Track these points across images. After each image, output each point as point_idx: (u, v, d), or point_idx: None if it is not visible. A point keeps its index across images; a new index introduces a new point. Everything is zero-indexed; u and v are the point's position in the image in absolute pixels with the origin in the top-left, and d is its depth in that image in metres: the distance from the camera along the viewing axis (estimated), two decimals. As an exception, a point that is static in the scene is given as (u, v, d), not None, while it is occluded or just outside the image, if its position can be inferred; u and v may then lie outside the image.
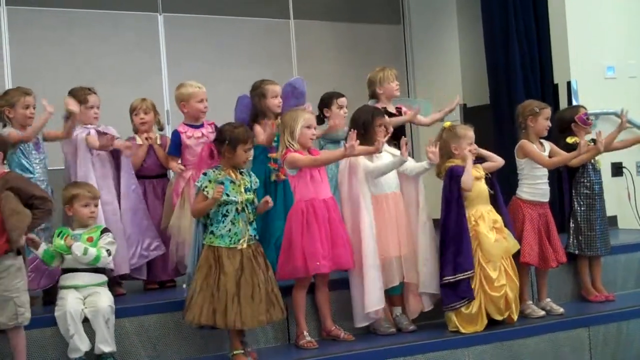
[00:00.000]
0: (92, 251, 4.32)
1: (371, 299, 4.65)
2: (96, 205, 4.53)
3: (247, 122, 4.92)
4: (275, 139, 4.93)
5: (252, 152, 4.46)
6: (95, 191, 4.55)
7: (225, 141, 4.34)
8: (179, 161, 5.16)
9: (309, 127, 4.67)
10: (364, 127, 4.80)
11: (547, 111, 5.22)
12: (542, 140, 5.26)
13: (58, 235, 4.37)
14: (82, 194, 4.46)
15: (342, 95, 5.53)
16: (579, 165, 5.35)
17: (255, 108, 5.05)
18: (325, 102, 5.52)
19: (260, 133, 4.93)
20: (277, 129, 4.88)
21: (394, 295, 4.86)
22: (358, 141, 4.49)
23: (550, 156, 5.22)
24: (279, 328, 4.72)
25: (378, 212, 4.77)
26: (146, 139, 5.33)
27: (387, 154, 4.83)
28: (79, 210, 4.45)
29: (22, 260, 4.12)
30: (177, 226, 5.00)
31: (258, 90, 5.06)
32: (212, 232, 4.32)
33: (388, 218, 4.78)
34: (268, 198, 4.43)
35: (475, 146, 4.94)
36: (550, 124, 5.23)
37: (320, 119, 5.45)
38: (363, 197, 4.73)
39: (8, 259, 4.03)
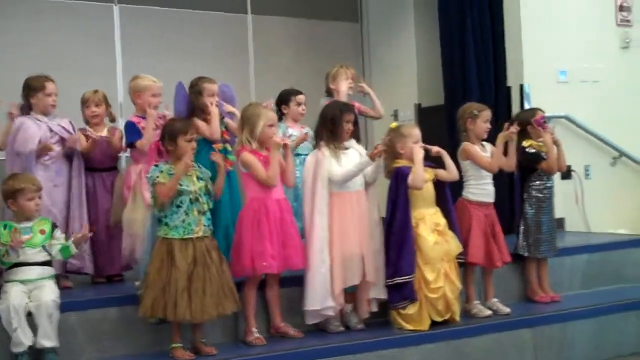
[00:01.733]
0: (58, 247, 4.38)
1: (313, 297, 4.68)
2: (40, 197, 4.46)
3: (184, 114, 4.93)
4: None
5: (195, 143, 4.43)
6: (38, 182, 4.48)
7: (165, 136, 4.37)
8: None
9: (271, 125, 4.65)
10: (332, 122, 4.80)
11: (486, 113, 5.28)
12: (483, 143, 5.31)
13: (5, 229, 4.30)
14: (27, 187, 4.37)
15: (301, 93, 5.55)
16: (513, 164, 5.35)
17: (192, 104, 5.04)
18: (284, 99, 5.54)
19: (203, 127, 4.90)
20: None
21: (347, 293, 4.86)
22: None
23: None
24: (228, 324, 4.71)
25: (342, 210, 4.77)
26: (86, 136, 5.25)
27: (355, 152, 4.84)
28: (24, 204, 4.37)
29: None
30: (130, 219, 4.95)
31: (195, 88, 5.05)
32: (166, 224, 4.32)
33: (351, 216, 4.78)
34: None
35: (439, 148, 4.94)
36: (490, 127, 5.28)
37: (279, 116, 5.45)
38: (320, 198, 4.74)
39: None
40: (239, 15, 8.19)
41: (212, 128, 4.89)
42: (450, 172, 4.96)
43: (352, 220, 4.78)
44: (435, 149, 4.93)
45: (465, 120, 5.27)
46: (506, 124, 5.29)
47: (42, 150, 4.90)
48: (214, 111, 4.94)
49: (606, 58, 7.61)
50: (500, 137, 5.18)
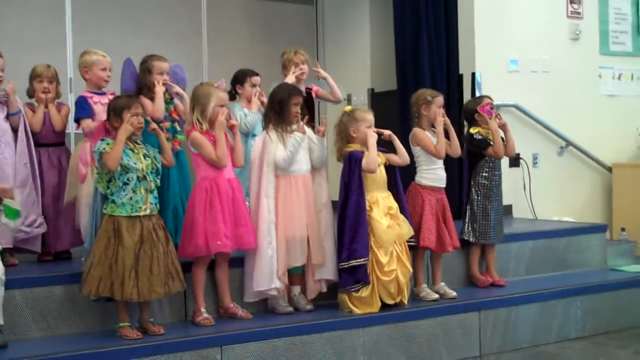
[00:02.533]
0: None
1: (260, 278, 4.70)
2: None
3: (132, 91, 4.89)
4: (164, 109, 4.95)
5: (141, 118, 4.38)
6: None
7: (111, 113, 4.34)
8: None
9: (221, 105, 4.62)
10: (279, 105, 4.80)
11: (439, 99, 5.32)
12: (434, 129, 5.36)
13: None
14: None
15: (257, 74, 5.52)
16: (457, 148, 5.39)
17: (140, 81, 4.99)
18: (239, 79, 5.50)
19: (149, 105, 4.85)
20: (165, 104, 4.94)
21: (294, 275, 4.88)
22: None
23: None
24: (176, 304, 4.69)
25: (287, 192, 4.78)
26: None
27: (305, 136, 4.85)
28: None
29: None
30: (89, 194, 4.80)
31: (144, 65, 4.99)
32: (113, 202, 4.27)
33: (296, 198, 4.79)
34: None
35: (390, 132, 4.97)
36: (443, 112, 5.32)
37: (232, 95, 5.43)
38: (267, 182, 4.76)
39: None
40: (193, -5, 8.12)
41: (154, 106, 4.83)
42: (401, 157, 4.99)
43: (298, 203, 4.79)
44: (386, 132, 4.96)
45: (420, 107, 5.30)
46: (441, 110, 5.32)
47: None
48: (159, 90, 4.89)
49: (556, 49, 7.73)
50: (437, 123, 5.22)
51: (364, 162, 4.80)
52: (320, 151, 4.91)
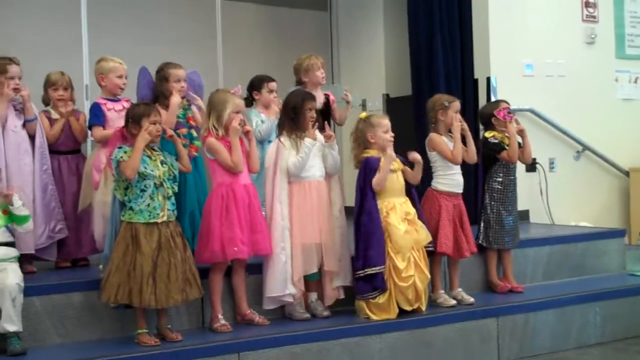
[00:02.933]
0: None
1: (273, 285, 4.70)
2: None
3: (148, 99, 4.90)
4: (181, 115, 5.00)
5: (159, 125, 4.40)
6: None
7: (129, 120, 4.35)
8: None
9: (237, 112, 4.62)
10: (293, 111, 4.80)
11: (456, 104, 5.31)
12: (451, 135, 5.34)
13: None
14: None
15: (273, 80, 5.55)
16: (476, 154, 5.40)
17: (157, 89, 5.01)
18: (256, 85, 5.52)
19: (163, 114, 4.83)
20: (182, 110, 5.02)
21: (311, 281, 4.88)
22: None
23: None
24: (194, 311, 4.70)
25: (301, 199, 4.78)
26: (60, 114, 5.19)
27: (318, 143, 4.85)
28: None
29: None
30: (102, 202, 4.84)
31: (161, 74, 5.02)
32: (130, 208, 4.29)
33: (310, 205, 4.79)
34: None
35: (418, 158, 4.92)
36: (460, 117, 5.30)
37: (249, 102, 5.44)
38: (280, 188, 4.76)
39: None
40: (208, 1, 8.12)
41: (167, 116, 4.81)
42: (414, 176, 4.96)
43: (312, 210, 4.79)
44: (416, 157, 4.91)
45: (436, 112, 5.28)
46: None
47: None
48: (174, 101, 4.90)
49: (572, 53, 7.70)
50: (454, 129, 5.20)
51: (374, 180, 4.80)
52: (334, 157, 4.90)
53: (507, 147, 5.47)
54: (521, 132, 5.57)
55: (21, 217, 4.36)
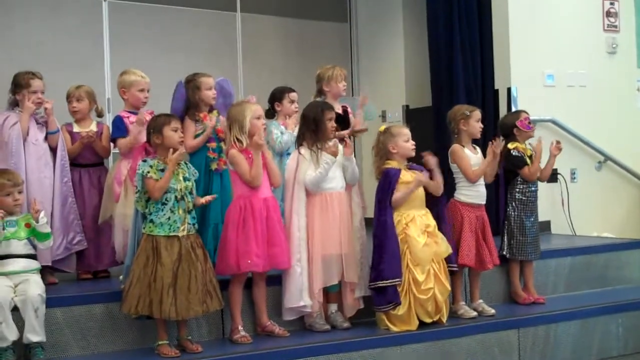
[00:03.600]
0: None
1: (290, 295, 4.70)
2: (20, 192, 4.41)
3: (180, 112, 4.94)
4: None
5: (181, 133, 4.45)
6: (16, 178, 4.43)
7: (151, 131, 4.38)
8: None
9: (258, 117, 4.65)
10: (314, 122, 4.81)
11: (477, 113, 5.30)
12: (474, 145, 5.34)
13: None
14: (3, 183, 4.34)
15: (294, 90, 5.56)
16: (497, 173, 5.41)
17: (189, 100, 5.05)
18: (277, 96, 5.54)
19: (190, 131, 4.93)
20: (210, 120, 5.00)
21: (331, 293, 4.88)
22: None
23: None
24: (214, 322, 4.71)
25: (323, 210, 4.78)
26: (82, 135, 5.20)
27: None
28: (2, 200, 4.34)
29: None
30: (123, 214, 4.90)
31: (192, 83, 5.05)
32: (151, 221, 4.32)
33: (332, 217, 4.79)
34: (210, 198, 4.49)
35: (435, 161, 4.94)
36: (482, 126, 5.31)
37: (271, 113, 5.46)
38: (298, 200, 4.77)
39: None
40: (228, 13, 8.18)
41: (187, 140, 4.84)
42: (436, 187, 4.94)
43: (333, 221, 4.79)
44: (428, 158, 4.92)
45: (458, 122, 5.28)
46: (496, 140, 5.27)
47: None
48: (199, 142, 4.97)
49: (593, 63, 7.66)
50: (488, 153, 5.18)
51: (394, 198, 4.80)
52: (353, 169, 4.90)
53: (528, 163, 5.46)
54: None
55: (43, 234, 4.40)
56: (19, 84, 4.98)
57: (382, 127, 5.04)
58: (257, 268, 4.54)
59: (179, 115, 4.82)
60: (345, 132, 5.18)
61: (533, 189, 5.58)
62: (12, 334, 4.07)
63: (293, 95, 5.52)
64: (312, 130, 4.82)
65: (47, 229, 4.43)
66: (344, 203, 4.87)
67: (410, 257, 4.81)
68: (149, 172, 4.29)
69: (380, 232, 4.79)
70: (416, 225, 4.85)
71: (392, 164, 4.91)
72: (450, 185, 5.25)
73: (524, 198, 5.53)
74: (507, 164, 5.52)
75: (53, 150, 5.05)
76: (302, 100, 5.43)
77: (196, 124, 5.01)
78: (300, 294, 4.70)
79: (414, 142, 4.93)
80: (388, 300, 4.75)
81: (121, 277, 4.51)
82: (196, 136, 4.98)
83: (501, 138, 5.33)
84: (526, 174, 5.49)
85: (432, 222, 4.93)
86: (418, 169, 4.95)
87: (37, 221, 4.35)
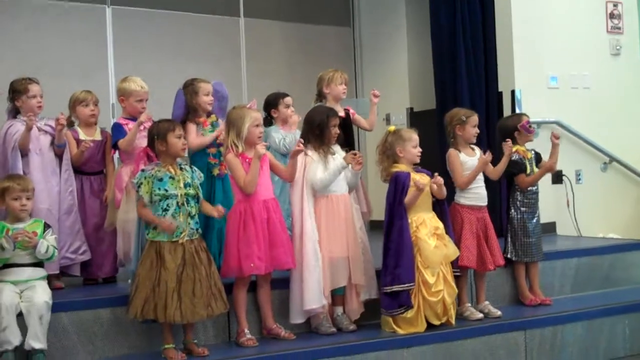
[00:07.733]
0: (51, 250, 4.32)
1: (310, 297, 4.68)
2: (28, 198, 4.40)
3: (181, 120, 4.95)
4: (210, 132, 5.03)
5: (185, 140, 4.47)
6: (26, 183, 4.43)
7: (154, 137, 4.38)
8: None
9: (257, 125, 4.65)
10: (319, 128, 4.82)
11: (474, 118, 5.29)
12: (473, 146, 5.33)
13: (-2, 230, 4.27)
14: (11, 187, 4.35)
15: (287, 95, 5.58)
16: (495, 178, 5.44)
17: (187, 106, 5.07)
18: (272, 103, 5.57)
19: (193, 131, 4.93)
20: (210, 126, 5.03)
21: (336, 295, 4.87)
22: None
23: None
24: (220, 325, 4.71)
25: (328, 212, 4.79)
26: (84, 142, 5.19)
27: (340, 157, 4.86)
28: (10, 203, 4.35)
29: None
30: (125, 220, 4.92)
31: (190, 88, 5.08)
32: (154, 227, 4.31)
33: (338, 219, 4.80)
34: (219, 210, 4.47)
35: (441, 179, 4.92)
36: (478, 131, 5.30)
37: (269, 121, 5.47)
38: (308, 202, 4.77)
39: None
40: (231, 18, 8.19)
41: (191, 139, 4.89)
42: (441, 192, 4.92)
43: (340, 223, 4.80)
44: (436, 179, 4.89)
45: (454, 127, 5.28)
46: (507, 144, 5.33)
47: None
48: (207, 140, 5.00)
49: (597, 65, 7.66)
50: (480, 161, 5.20)
51: (406, 199, 4.79)
52: (355, 175, 4.91)
53: (527, 168, 5.47)
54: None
55: (49, 257, 4.38)
56: (17, 90, 4.99)
57: (392, 128, 5.03)
58: (260, 270, 4.54)
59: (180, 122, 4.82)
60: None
61: (535, 190, 5.58)
62: (15, 339, 4.08)
63: (287, 99, 5.56)
64: (316, 135, 4.82)
65: (49, 254, 4.36)
66: (349, 205, 4.88)
67: (421, 259, 4.80)
68: (141, 183, 4.30)
69: (397, 236, 4.77)
70: (426, 228, 4.85)
71: (401, 167, 4.91)
72: (451, 187, 5.24)
73: (525, 200, 5.53)
74: (507, 167, 5.50)
75: (58, 156, 5.05)
76: (306, 105, 5.43)
77: (197, 128, 5.03)
78: (321, 295, 4.70)
79: (420, 149, 4.93)
80: (400, 304, 4.75)
81: (129, 280, 4.52)
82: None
83: (509, 142, 5.34)
84: (520, 181, 5.48)
85: (441, 225, 4.93)
86: (426, 172, 4.95)
87: (36, 248, 4.29)
